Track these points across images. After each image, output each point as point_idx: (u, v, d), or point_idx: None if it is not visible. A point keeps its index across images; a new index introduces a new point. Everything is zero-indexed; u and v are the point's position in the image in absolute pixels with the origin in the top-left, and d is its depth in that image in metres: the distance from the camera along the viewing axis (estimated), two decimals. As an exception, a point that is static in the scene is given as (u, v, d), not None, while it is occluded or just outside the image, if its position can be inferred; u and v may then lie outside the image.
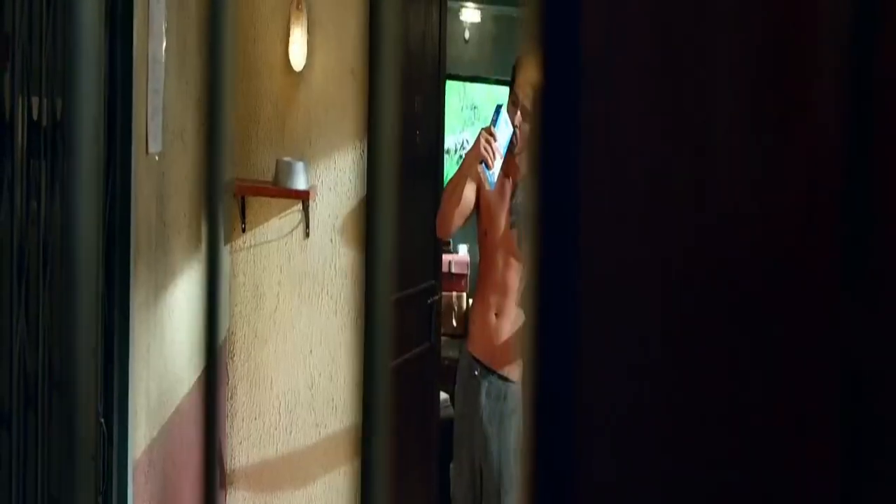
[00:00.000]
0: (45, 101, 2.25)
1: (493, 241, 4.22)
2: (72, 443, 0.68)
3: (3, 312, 1.98)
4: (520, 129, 4.17)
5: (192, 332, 3.83)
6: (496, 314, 4.18)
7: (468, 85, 10.14)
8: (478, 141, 3.97)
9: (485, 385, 4.13)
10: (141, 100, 2.98)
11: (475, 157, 3.97)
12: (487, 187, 4.08)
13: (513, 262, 4.16)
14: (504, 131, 4.01)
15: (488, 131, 3.95)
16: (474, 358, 4.17)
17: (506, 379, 4.17)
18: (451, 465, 4.45)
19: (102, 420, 2.46)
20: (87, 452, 0.73)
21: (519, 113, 4.18)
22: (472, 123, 10.31)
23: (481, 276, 4.28)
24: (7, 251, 2.02)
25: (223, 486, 4.76)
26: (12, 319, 2.03)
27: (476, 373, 4.15)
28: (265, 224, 4.80)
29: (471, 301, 8.06)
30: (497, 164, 3.98)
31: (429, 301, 5.21)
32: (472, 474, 4.08)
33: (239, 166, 4.77)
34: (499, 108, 4.07)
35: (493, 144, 3.94)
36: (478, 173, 4.01)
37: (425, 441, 5.26)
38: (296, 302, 4.82)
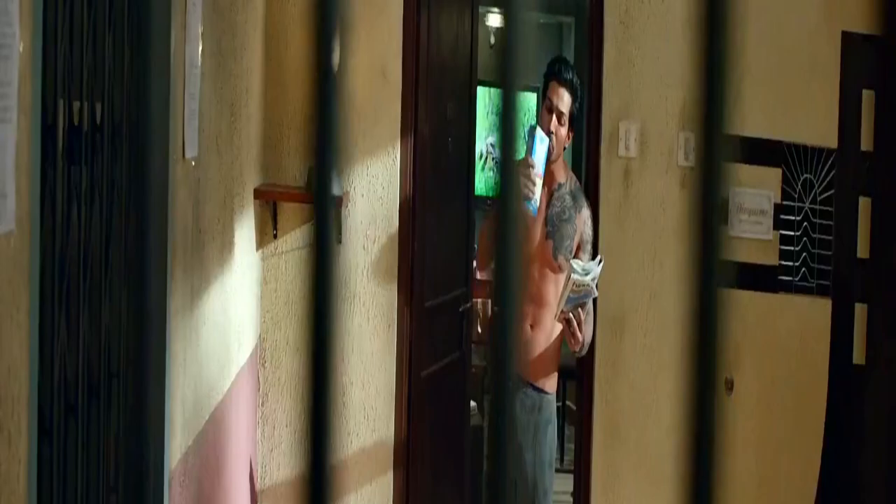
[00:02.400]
0: (85, 105, 2.22)
1: (528, 252, 4.17)
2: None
3: (44, 320, 1.95)
4: (556, 136, 4.12)
5: (224, 339, 3.80)
6: (531, 325, 4.13)
7: (494, 91, 10.12)
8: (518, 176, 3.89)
9: (519, 396, 4.09)
10: (178, 104, 2.96)
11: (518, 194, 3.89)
12: (531, 216, 3.99)
13: (548, 273, 4.11)
14: (540, 150, 3.91)
15: (525, 164, 3.83)
16: (509, 368, 4.12)
17: (540, 390, 4.12)
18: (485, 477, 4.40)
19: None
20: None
21: (554, 118, 4.13)
22: (498, 129, 10.29)
23: (515, 286, 4.23)
24: (49, 257, 1.99)
25: (254, 498, 4.72)
26: (53, 327, 2.01)
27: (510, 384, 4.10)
28: (297, 230, 4.77)
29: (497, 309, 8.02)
30: (538, 192, 3.92)
31: (460, 309, 5.17)
32: (506, 486, 4.03)
33: (271, 172, 4.75)
34: (532, 129, 3.96)
35: (532, 177, 3.83)
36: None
37: (457, 451, 5.21)
38: (327, 309, 4.78)
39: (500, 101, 0.70)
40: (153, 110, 0.83)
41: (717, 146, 0.69)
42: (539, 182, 3.90)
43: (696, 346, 0.69)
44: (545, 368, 4.14)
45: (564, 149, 4.26)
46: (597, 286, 3.96)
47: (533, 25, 0.69)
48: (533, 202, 3.89)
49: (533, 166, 3.84)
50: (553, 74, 4.23)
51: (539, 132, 3.95)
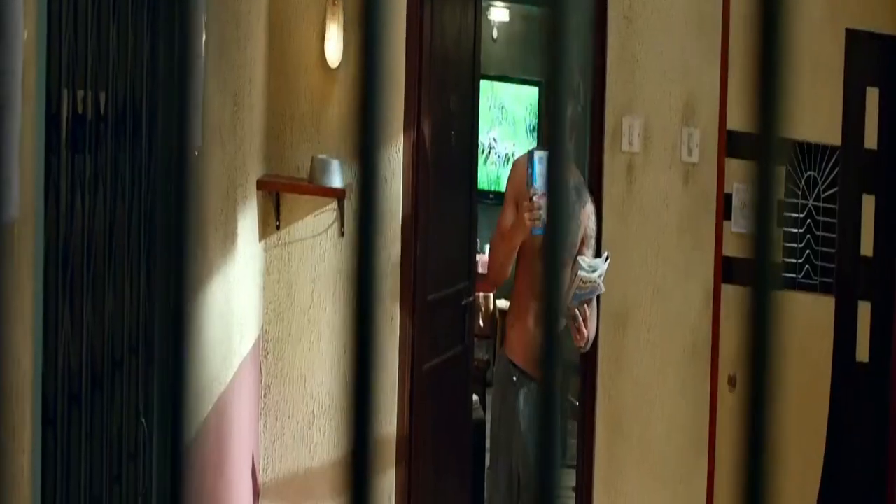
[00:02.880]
0: (89, 94, 2.21)
1: (532, 245, 4.16)
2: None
3: (48, 310, 1.94)
4: None
5: (227, 330, 3.79)
6: (535, 321, 4.12)
7: (496, 84, 10.10)
8: (522, 217, 3.83)
9: (523, 391, 4.07)
10: (183, 94, 2.94)
11: (524, 232, 3.85)
12: (538, 237, 3.96)
13: (552, 265, 4.10)
14: (541, 171, 3.83)
15: (527, 196, 3.79)
16: (512, 363, 4.11)
17: (544, 384, 4.11)
18: (487, 471, 4.40)
19: (144, 420, 2.43)
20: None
21: None
22: (500, 123, 10.26)
23: (519, 280, 4.22)
24: (53, 246, 1.98)
25: (256, 490, 4.71)
26: (57, 317, 2.00)
27: (514, 378, 4.09)
28: (300, 221, 4.76)
29: (498, 302, 8.02)
30: (545, 214, 3.87)
31: (463, 302, 5.16)
32: (509, 480, 4.03)
33: (273, 163, 4.73)
34: (531, 153, 3.88)
35: (536, 207, 3.77)
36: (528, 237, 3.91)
37: (460, 445, 5.20)
38: (330, 300, 4.77)
39: (549, 118, 0.68)
40: (191, 98, 0.84)
41: (773, 148, 0.68)
42: (544, 203, 3.86)
43: (750, 348, 0.68)
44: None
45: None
46: (603, 283, 3.95)
47: (585, 25, 0.67)
48: (541, 228, 3.85)
49: (536, 194, 3.78)
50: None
51: (537, 154, 3.86)
